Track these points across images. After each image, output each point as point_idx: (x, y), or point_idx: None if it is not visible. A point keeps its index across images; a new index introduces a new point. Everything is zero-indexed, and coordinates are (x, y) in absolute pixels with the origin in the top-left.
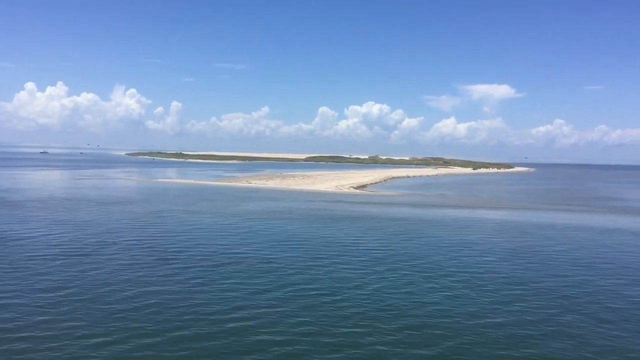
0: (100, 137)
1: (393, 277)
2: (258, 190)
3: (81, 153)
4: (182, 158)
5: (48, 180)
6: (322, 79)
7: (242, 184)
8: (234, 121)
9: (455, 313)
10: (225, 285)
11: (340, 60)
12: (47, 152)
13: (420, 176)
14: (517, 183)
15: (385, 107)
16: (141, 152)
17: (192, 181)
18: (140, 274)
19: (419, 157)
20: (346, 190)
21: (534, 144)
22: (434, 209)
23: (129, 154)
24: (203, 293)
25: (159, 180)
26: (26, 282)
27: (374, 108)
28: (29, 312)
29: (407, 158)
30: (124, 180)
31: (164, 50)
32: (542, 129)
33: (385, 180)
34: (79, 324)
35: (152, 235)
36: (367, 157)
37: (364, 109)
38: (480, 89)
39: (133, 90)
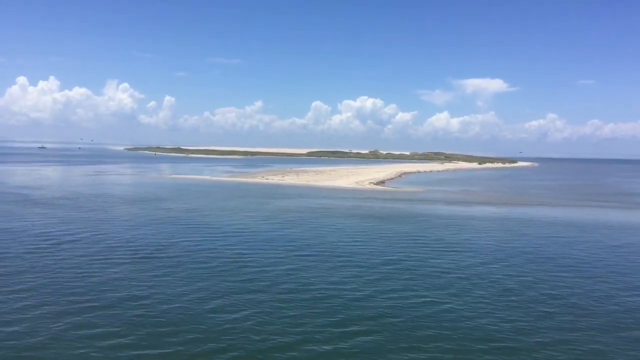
0: (92, 131)
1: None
2: (279, 186)
3: (79, 148)
4: (182, 153)
5: (63, 177)
6: (316, 73)
7: (260, 180)
8: (227, 116)
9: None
10: (343, 290)
11: (334, 54)
12: (45, 147)
13: (430, 171)
14: (531, 178)
15: (379, 102)
16: (139, 147)
17: (206, 177)
18: (231, 281)
19: (419, 152)
20: (367, 186)
21: (527, 138)
22: (470, 206)
23: (127, 149)
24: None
25: (174, 176)
26: (110, 286)
27: (367, 102)
28: (133, 324)
29: (407, 153)
30: (138, 177)
31: (156, 44)
32: (535, 123)
33: (399, 176)
34: (179, 329)
35: (207, 235)
36: (367, 152)
37: (357, 103)
38: (473, 83)
39: (126, 85)
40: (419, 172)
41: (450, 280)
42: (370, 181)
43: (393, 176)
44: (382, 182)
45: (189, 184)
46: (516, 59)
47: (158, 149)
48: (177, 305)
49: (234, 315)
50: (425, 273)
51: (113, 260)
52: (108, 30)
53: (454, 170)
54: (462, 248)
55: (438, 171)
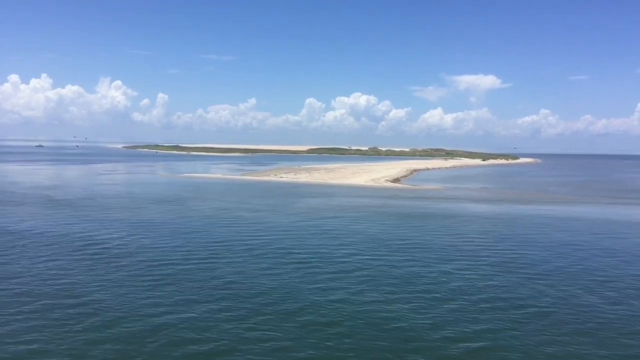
0: (85, 129)
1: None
2: (298, 185)
3: (76, 146)
4: (182, 151)
5: (76, 176)
6: (309, 70)
7: (274, 178)
8: (220, 113)
9: None
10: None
11: (327, 51)
12: (42, 146)
13: (439, 168)
14: (541, 175)
15: (373, 98)
16: (138, 144)
17: (219, 175)
18: (291, 285)
19: (419, 148)
20: (385, 184)
21: (520, 134)
22: (499, 204)
23: (125, 147)
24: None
25: (186, 174)
26: (176, 291)
27: (361, 99)
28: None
29: (407, 149)
30: (151, 175)
31: (149, 41)
32: (528, 119)
33: (411, 173)
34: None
35: (247, 238)
36: (367, 148)
37: (351, 100)
38: (466, 80)
39: (118, 82)
40: (427, 169)
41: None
42: (385, 179)
43: (405, 173)
44: (397, 180)
45: (205, 182)
46: (509, 56)
47: (157, 146)
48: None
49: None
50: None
51: (181, 265)
52: (101, 27)
53: (461, 167)
54: (539, 245)
55: (446, 168)
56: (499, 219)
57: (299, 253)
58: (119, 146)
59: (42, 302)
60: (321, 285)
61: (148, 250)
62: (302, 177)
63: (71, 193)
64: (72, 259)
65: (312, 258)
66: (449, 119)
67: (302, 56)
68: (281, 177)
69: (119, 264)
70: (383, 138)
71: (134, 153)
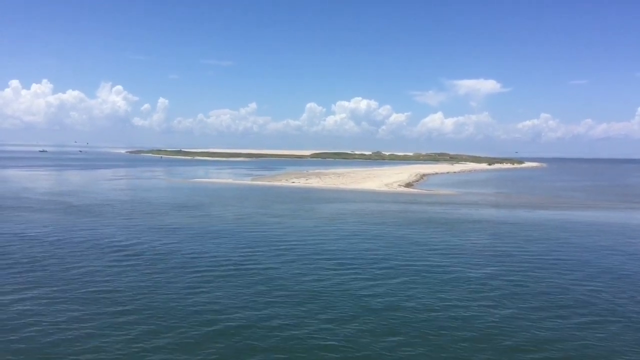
0: (86, 134)
1: None
2: (312, 190)
3: (80, 151)
4: (186, 156)
5: (87, 182)
6: (310, 74)
7: (285, 183)
8: (221, 117)
9: None
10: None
11: (328, 56)
12: (46, 151)
13: (447, 173)
14: (551, 179)
15: (373, 103)
16: (142, 149)
17: (230, 180)
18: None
19: (423, 152)
20: (399, 189)
21: (521, 138)
22: (521, 209)
23: (129, 152)
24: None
25: (198, 180)
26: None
27: (361, 104)
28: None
29: (411, 154)
30: (162, 181)
31: (150, 46)
32: (528, 123)
33: (421, 178)
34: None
35: (278, 242)
36: (370, 153)
37: (351, 104)
38: (467, 84)
39: (119, 87)
40: (436, 173)
41: None
42: (398, 183)
43: (415, 178)
44: (410, 185)
45: (218, 187)
46: (509, 60)
47: (160, 151)
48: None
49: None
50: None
51: (209, 273)
52: (101, 32)
53: (469, 171)
54: (582, 248)
55: (454, 172)
56: (527, 224)
57: (338, 257)
58: (123, 151)
59: (89, 310)
60: (381, 289)
61: (182, 256)
62: (314, 182)
63: (88, 199)
64: (109, 266)
65: (354, 261)
66: (450, 123)
67: (302, 61)
68: (293, 182)
69: (157, 269)
70: (383, 142)
71: (138, 158)
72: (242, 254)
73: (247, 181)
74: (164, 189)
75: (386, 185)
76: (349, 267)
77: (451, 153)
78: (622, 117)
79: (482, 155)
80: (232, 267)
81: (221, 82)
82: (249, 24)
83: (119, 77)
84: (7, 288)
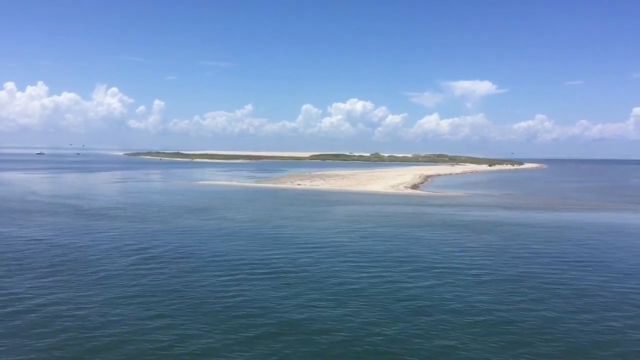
0: (82, 137)
1: None
2: (318, 192)
3: (77, 154)
4: (185, 158)
5: (93, 185)
6: (306, 76)
7: (291, 185)
8: (217, 119)
9: None
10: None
11: (324, 57)
12: (43, 154)
13: (450, 174)
14: (555, 180)
15: (369, 104)
16: (140, 152)
17: (235, 183)
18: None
19: (422, 154)
20: (406, 190)
21: (516, 139)
22: (535, 212)
23: (127, 154)
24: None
25: (202, 182)
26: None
27: (357, 105)
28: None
29: (410, 155)
30: (167, 184)
31: (146, 48)
32: (523, 124)
33: (425, 179)
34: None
35: (306, 245)
36: (369, 154)
37: (347, 106)
38: (462, 85)
39: (115, 89)
40: (438, 175)
41: None
42: (404, 185)
43: (420, 180)
44: (416, 186)
45: (225, 190)
46: (504, 61)
47: (158, 153)
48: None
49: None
50: None
51: (237, 275)
52: (97, 34)
53: (471, 172)
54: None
55: (457, 174)
56: (545, 225)
57: (365, 258)
58: (120, 153)
59: (121, 314)
60: (418, 290)
61: (206, 258)
62: (320, 185)
63: (97, 202)
64: (134, 269)
65: (381, 261)
66: (445, 124)
67: (298, 62)
68: (299, 185)
69: (184, 271)
70: (380, 144)
71: (137, 160)
72: (266, 256)
73: (252, 184)
74: (171, 191)
75: (392, 187)
76: (378, 267)
77: (450, 154)
78: (617, 118)
79: (479, 156)
80: (259, 269)
81: (217, 84)
82: (245, 26)
83: (115, 79)
84: (34, 292)
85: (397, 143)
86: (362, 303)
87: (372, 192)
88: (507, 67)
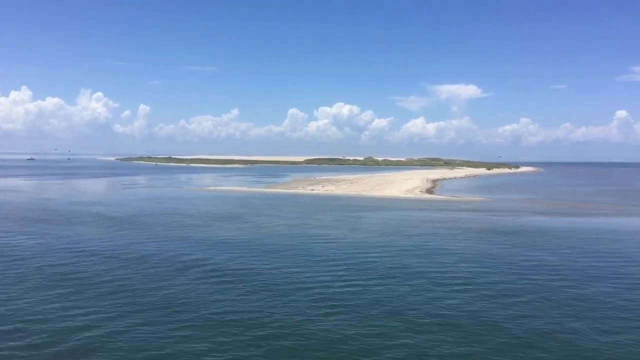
0: (66, 142)
1: None
2: (336, 197)
3: (68, 159)
4: (179, 163)
5: (103, 191)
6: (292, 80)
7: (303, 190)
8: (203, 124)
9: None
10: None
11: (310, 61)
12: (34, 159)
13: (454, 178)
14: (566, 184)
15: (355, 108)
16: (131, 157)
17: (245, 188)
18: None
19: (415, 157)
20: (423, 195)
21: (501, 142)
22: (568, 217)
23: (119, 159)
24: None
25: (213, 188)
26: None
27: (343, 109)
28: None
29: (403, 159)
30: (178, 189)
31: (131, 53)
32: (508, 127)
33: (435, 183)
34: None
35: (363, 258)
36: (362, 158)
37: (333, 110)
38: (448, 89)
39: (99, 94)
40: (444, 178)
41: None
42: (418, 189)
43: (430, 184)
44: (430, 191)
45: (241, 196)
46: (490, 65)
47: (151, 158)
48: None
49: None
50: None
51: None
52: (81, 39)
53: (474, 176)
54: None
55: (461, 177)
56: (594, 232)
57: (426, 272)
58: (112, 158)
59: (200, 336)
60: (495, 313)
61: (267, 273)
62: (333, 190)
63: (120, 210)
64: (195, 284)
65: (442, 275)
66: (431, 128)
67: (284, 67)
68: (312, 190)
69: (249, 287)
70: (366, 148)
71: (131, 165)
72: (323, 269)
73: (264, 189)
74: (188, 198)
75: (407, 191)
76: (441, 282)
77: (444, 158)
78: (601, 121)
79: (466, 159)
80: (325, 285)
81: (203, 89)
82: (230, 30)
83: (100, 83)
84: (107, 313)
85: (383, 147)
86: (449, 328)
87: (392, 197)
88: (492, 71)
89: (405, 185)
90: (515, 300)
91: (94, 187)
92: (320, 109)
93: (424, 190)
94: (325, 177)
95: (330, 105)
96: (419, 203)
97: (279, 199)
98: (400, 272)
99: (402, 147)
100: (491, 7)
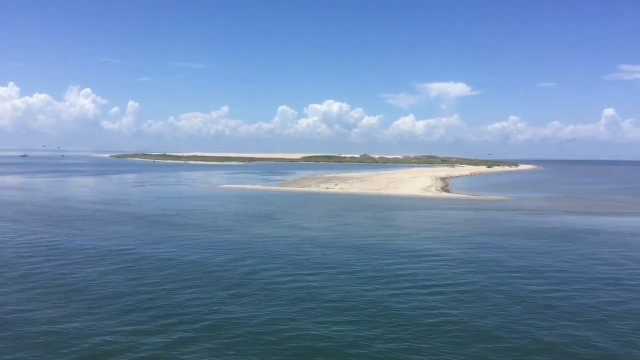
0: (54, 138)
1: None
2: (355, 196)
3: (62, 156)
4: (180, 160)
5: (114, 189)
6: (282, 77)
7: (317, 189)
8: (192, 121)
9: None
10: None
11: (300, 58)
12: (27, 156)
13: (461, 176)
14: (574, 182)
15: (345, 106)
16: (127, 153)
17: (258, 187)
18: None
19: (412, 155)
20: (442, 194)
21: (490, 140)
22: (599, 216)
23: (113, 156)
24: None
25: (227, 186)
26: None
27: (333, 106)
28: None
29: (400, 157)
30: (190, 187)
31: (119, 49)
32: (497, 125)
33: (445, 181)
34: None
35: (425, 259)
36: (359, 155)
37: (323, 107)
38: (437, 87)
39: (88, 90)
40: (451, 176)
41: None
42: (434, 187)
43: (443, 182)
44: (446, 189)
45: (258, 195)
46: (479, 63)
47: (145, 155)
48: None
49: None
50: None
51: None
52: (70, 35)
53: (479, 174)
54: None
55: (467, 175)
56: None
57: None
58: (105, 155)
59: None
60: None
61: (335, 277)
62: (347, 188)
63: (142, 209)
64: (245, 289)
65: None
66: (421, 125)
67: (274, 64)
68: (327, 188)
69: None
70: (356, 145)
71: (128, 162)
72: (390, 267)
73: (279, 187)
74: (206, 196)
75: (423, 190)
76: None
77: (440, 155)
78: (589, 120)
79: (456, 156)
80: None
81: (192, 85)
82: (221, 27)
83: (88, 80)
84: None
85: (373, 144)
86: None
87: (411, 196)
88: (481, 69)
89: (417, 183)
90: None
91: (104, 186)
92: (310, 106)
93: (439, 189)
94: (332, 175)
95: (320, 103)
96: (443, 202)
97: (299, 198)
98: (525, 270)
99: (392, 144)
100: (480, 6)
